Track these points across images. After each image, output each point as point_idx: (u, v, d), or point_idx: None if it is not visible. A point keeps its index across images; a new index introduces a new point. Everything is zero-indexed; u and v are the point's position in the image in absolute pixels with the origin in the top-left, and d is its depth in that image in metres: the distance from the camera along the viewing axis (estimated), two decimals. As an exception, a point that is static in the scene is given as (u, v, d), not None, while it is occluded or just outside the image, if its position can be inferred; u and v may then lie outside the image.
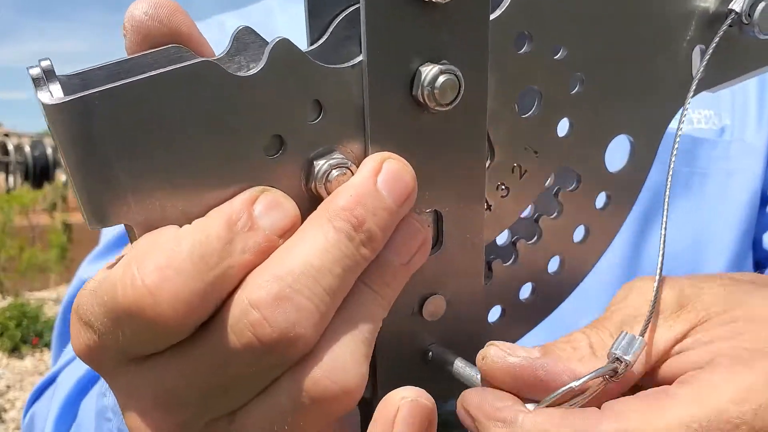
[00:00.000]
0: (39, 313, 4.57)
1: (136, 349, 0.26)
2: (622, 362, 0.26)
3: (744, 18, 0.32)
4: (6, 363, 4.28)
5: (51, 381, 0.62)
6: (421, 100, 0.27)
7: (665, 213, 0.30)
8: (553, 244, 0.34)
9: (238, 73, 0.25)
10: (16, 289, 5.29)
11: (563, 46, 0.31)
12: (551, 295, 0.34)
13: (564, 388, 0.26)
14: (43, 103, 0.23)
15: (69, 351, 0.62)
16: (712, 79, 0.34)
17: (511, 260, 0.33)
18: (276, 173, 0.26)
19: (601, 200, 0.34)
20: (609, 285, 0.58)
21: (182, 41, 0.25)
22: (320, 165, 0.27)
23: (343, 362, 0.25)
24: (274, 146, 0.26)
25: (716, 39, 0.32)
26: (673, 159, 0.31)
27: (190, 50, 0.25)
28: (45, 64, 0.23)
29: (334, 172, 0.27)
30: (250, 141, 0.25)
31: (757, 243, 0.65)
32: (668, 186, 0.31)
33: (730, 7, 0.32)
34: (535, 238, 0.33)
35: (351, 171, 0.27)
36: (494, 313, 0.35)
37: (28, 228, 6.16)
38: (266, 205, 0.26)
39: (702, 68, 0.33)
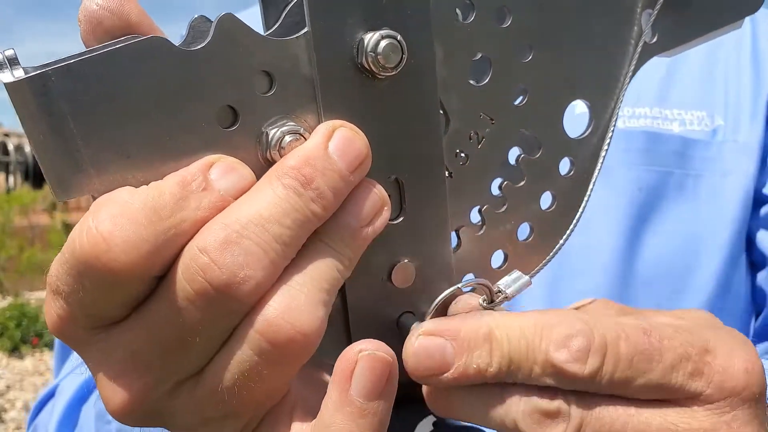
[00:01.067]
0: (39, 313, 4.57)
1: (100, 310, 0.27)
2: (502, 294, 0.30)
3: None
4: (6, 363, 4.29)
5: (53, 393, 0.62)
6: (367, 67, 0.28)
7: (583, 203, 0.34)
8: (520, 211, 0.34)
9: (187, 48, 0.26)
10: (16, 289, 5.29)
11: (509, 13, 0.32)
12: (524, 265, 0.34)
13: (443, 294, 0.31)
14: (4, 83, 0.24)
15: (70, 363, 0.63)
16: (666, 43, 0.35)
17: (480, 229, 0.34)
18: (232, 144, 0.27)
19: (565, 166, 0.34)
20: (602, 287, 0.58)
21: (136, 31, 0.26)
22: (273, 132, 0.28)
23: (298, 304, 0.26)
24: (227, 118, 0.27)
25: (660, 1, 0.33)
26: (608, 142, 0.34)
27: (164, 37, 0.26)
28: (9, 53, 0.25)
29: (287, 138, 0.28)
30: (202, 113, 0.27)
31: (751, 243, 0.65)
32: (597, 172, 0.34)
33: None
34: (503, 207, 0.33)
35: (304, 138, 0.28)
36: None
37: (28, 228, 6.16)
38: (222, 169, 0.27)
39: (648, 30, 0.34)
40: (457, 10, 0.31)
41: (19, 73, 0.24)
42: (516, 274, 0.31)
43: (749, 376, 0.29)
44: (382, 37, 0.28)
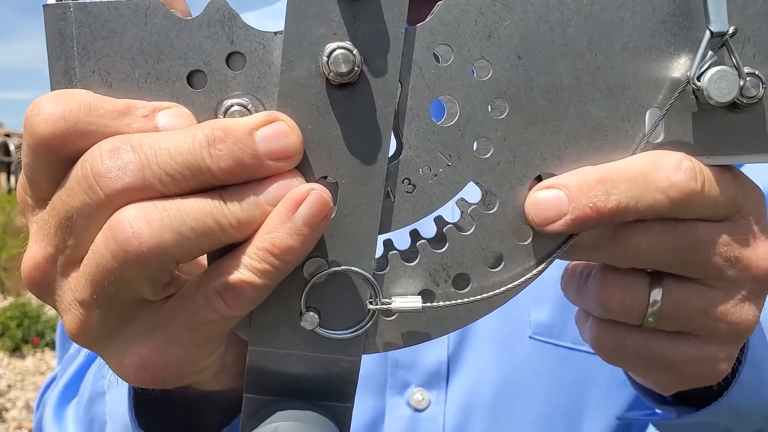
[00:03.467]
0: (40, 313, 4.58)
1: (35, 181, 0.32)
2: (388, 302, 0.33)
3: (693, 83, 0.32)
4: (7, 363, 4.29)
5: (55, 377, 0.65)
6: (322, 70, 0.31)
7: None
8: (460, 259, 0.34)
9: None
10: (18, 289, 5.30)
11: (490, 69, 0.32)
12: (444, 310, 0.34)
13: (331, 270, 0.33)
14: (42, 6, 0.32)
15: (72, 349, 0.64)
16: (678, 147, 0.33)
17: (414, 262, 0.34)
18: (194, 103, 0.32)
19: (523, 233, 0.34)
20: (551, 282, 0.58)
21: None
22: (227, 102, 0.32)
23: (149, 219, 0.29)
24: (199, 81, 0.32)
25: (671, 101, 0.32)
26: None
27: (163, 3, 0.32)
28: None
29: (234, 108, 0.32)
30: (176, 70, 0.32)
31: None
32: None
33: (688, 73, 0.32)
34: (443, 248, 0.34)
35: (249, 113, 0.32)
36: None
37: (30, 228, 6.16)
38: (172, 112, 0.31)
39: (653, 129, 0.33)
40: (438, 52, 0.32)
41: (51, 1, 0.32)
42: (416, 299, 0.33)
43: None
44: (339, 47, 0.31)
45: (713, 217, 0.34)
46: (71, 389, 0.60)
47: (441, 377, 0.59)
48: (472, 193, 0.34)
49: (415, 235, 0.35)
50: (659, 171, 0.32)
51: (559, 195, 0.32)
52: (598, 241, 0.34)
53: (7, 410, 3.68)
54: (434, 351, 0.59)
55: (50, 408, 0.60)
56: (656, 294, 0.34)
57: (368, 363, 0.58)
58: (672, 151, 0.33)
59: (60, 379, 0.62)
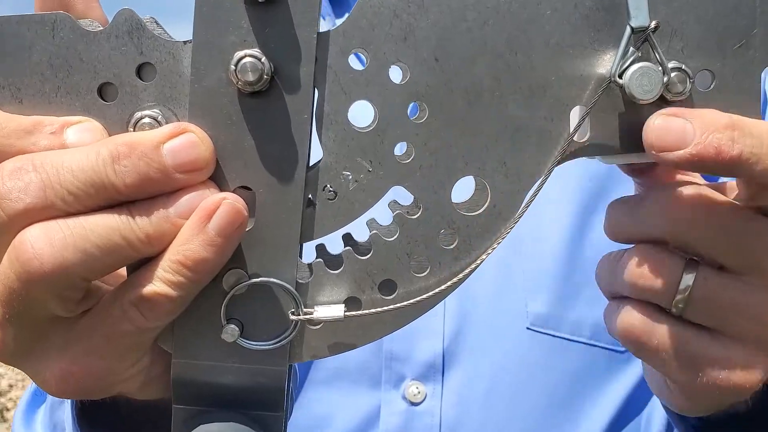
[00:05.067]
0: (40, 311, 4.58)
1: None
2: (310, 312, 0.32)
3: (614, 80, 0.31)
4: (8, 362, 4.30)
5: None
6: (230, 78, 0.30)
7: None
8: (386, 266, 0.33)
9: (87, 29, 0.31)
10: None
11: (406, 72, 0.32)
12: (371, 318, 0.33)
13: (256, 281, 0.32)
14: None
15: None
16: (599, 149, 0.33)
17: (339, 269, 0.33)
18: (105, 115, 0.32)
19: (447, 237, 0.33)
20: (551, 270, 0.58)
21: (72, 8, 0.32)
22: (137, 114, 0.31)
23: (51, 240, 0.29)
24: (108, 94, 0.32)
25: (594, 100, 0.31)
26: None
27: (70, 15, 0.31)
28: None
29: (144, 120, 0.31)
30: (86, 83, 0.31)
31: None
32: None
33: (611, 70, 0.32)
34: (367, 255, 0.33)
35: (159, 125, 0.31)
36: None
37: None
38: (81, 127, 0.31)
39: (577, 128, 0.32)
40: (353, 56, 0.32)
41: None
42: (340, 307, 0.32)
43: None
44: (247, 55, 0.30)
45: None
46: (42, 393, 0.60)
47: (437, 370, 0.58)
48: (407, 196, 0.33)
49: (347, 239, 0.34)
50: None
51: (686, 125, 0.31)
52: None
53: (8, 410, 3.69)
54: (429, 343, 0.58)
55: (20, 411, 0.61)
56: (688, 279, 0.33)
57: (362, 357, 0.57)
58: None
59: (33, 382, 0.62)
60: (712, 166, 0.31)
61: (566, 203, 0.60)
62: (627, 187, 0.61)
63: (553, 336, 0.58)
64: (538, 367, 0.58)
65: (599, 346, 0.58)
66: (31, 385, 0.62)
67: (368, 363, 0.59)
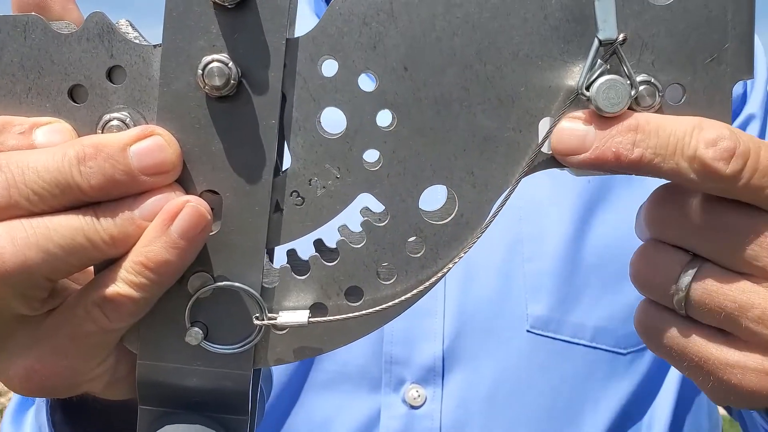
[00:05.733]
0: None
1: None
2: (274, 317, 0.33)
3: (582, 93, 0.31)
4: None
5: None
6: (198, 82, 0.31)
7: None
8: (353, 273, 0.33)
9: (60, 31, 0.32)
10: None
11: (375, 80, 0.32)
12: (340, 324, 0.33)
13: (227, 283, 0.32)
14: None
15: None
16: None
17: (305, 275, 0.33)
18: (75, 117, 0.32)
19: (415, 246, 0.33)
20: (551, 270, 0.58)
21: (47, 11, 0.32)
22: (106, 116, 0.32)
23: (14, 237, 0.29)
24: (79, 95, 0.32)
25: (561, 112, 0.31)
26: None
27: (42, 18, 0.32)
28: None
29: (113, 123, 0.31)
30: (57, 85, 0.32)
31: None
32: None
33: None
34: (334, 262, 0.33)
35: (127, 127, 0.31)
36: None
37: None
38: (49, 128, 0.31)
39: (545, 139, 0.32)
40: (322, 62, 0.32)
41: None
42: (304, 312, 0.32)
43: None
44: (215, 60, 0.31)
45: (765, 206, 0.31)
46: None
47: (437, 373, 0.58)
48: (378, 203, 0.33)
49: (319, 245, 0.34)
50: (693, 138, 0.30)
51: (588, 129, 0.31)
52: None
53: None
54: (429, 346, 0.58)
55: (9, 412, 0.61)
56: (686, 278, 0.32)
57: (362, 360, 0.57)
58: (725, 124, 0.31)
59: None
60: (615, 169, 0.31)
61: (566, 205, 0.59)
62: (628, 188, 0.61)
63: (554, 339, 0.58)
64: (538, 370, 0.58)
65: (601, 349, 0.58)
66: None
67: (368, 366, 0.58)
